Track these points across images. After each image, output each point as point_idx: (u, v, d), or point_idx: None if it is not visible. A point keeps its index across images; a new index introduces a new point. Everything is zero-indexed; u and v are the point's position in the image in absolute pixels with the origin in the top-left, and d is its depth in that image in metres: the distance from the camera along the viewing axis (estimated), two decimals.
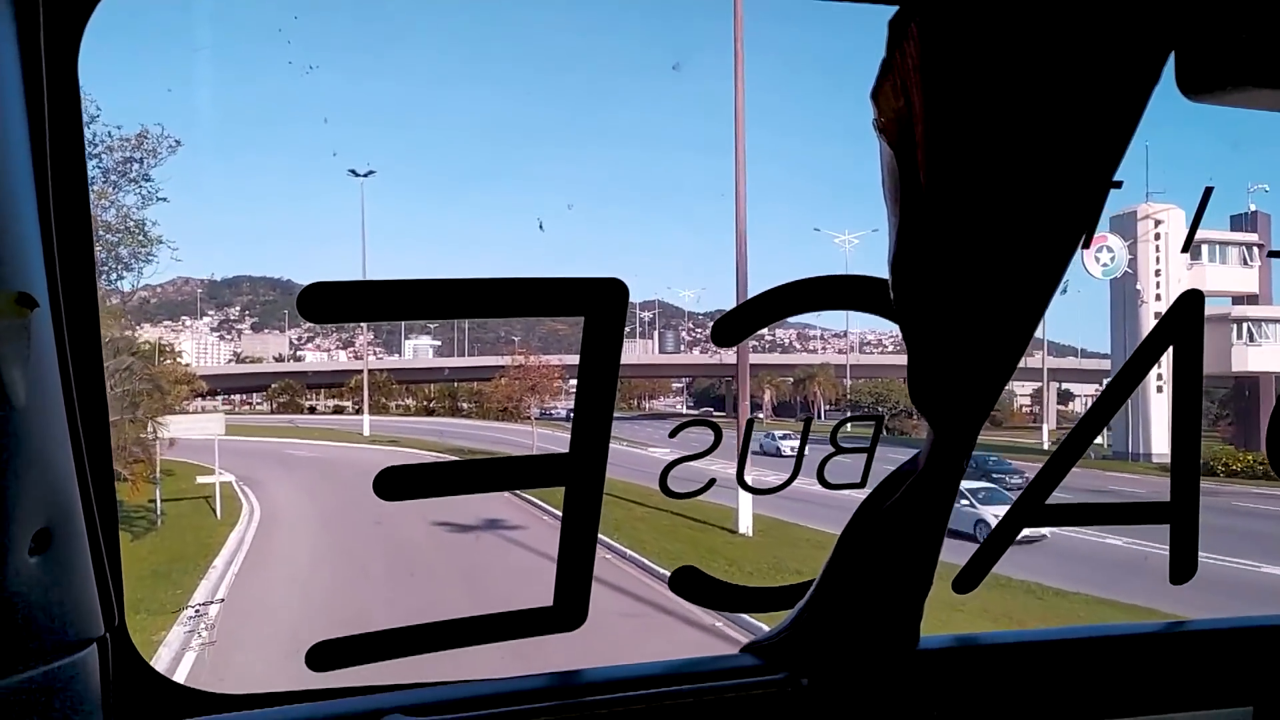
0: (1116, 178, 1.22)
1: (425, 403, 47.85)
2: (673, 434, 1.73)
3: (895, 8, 1.12)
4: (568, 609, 1.38)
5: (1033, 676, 1.64)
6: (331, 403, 55.99)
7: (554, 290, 1.29)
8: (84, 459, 1.15)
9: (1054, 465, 1.59)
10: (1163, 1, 1.11)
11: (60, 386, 1.09)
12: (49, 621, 1.05)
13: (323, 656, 1.27)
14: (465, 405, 45.97)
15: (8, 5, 1.03)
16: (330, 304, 1.17)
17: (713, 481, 1.57)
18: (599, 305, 1.28)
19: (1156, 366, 1.58)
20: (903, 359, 1.76)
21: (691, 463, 1.47)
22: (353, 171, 34.35)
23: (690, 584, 1.55)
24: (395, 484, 1.25)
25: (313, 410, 54.49)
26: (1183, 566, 1.70)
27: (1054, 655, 1.68)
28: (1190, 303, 1.56)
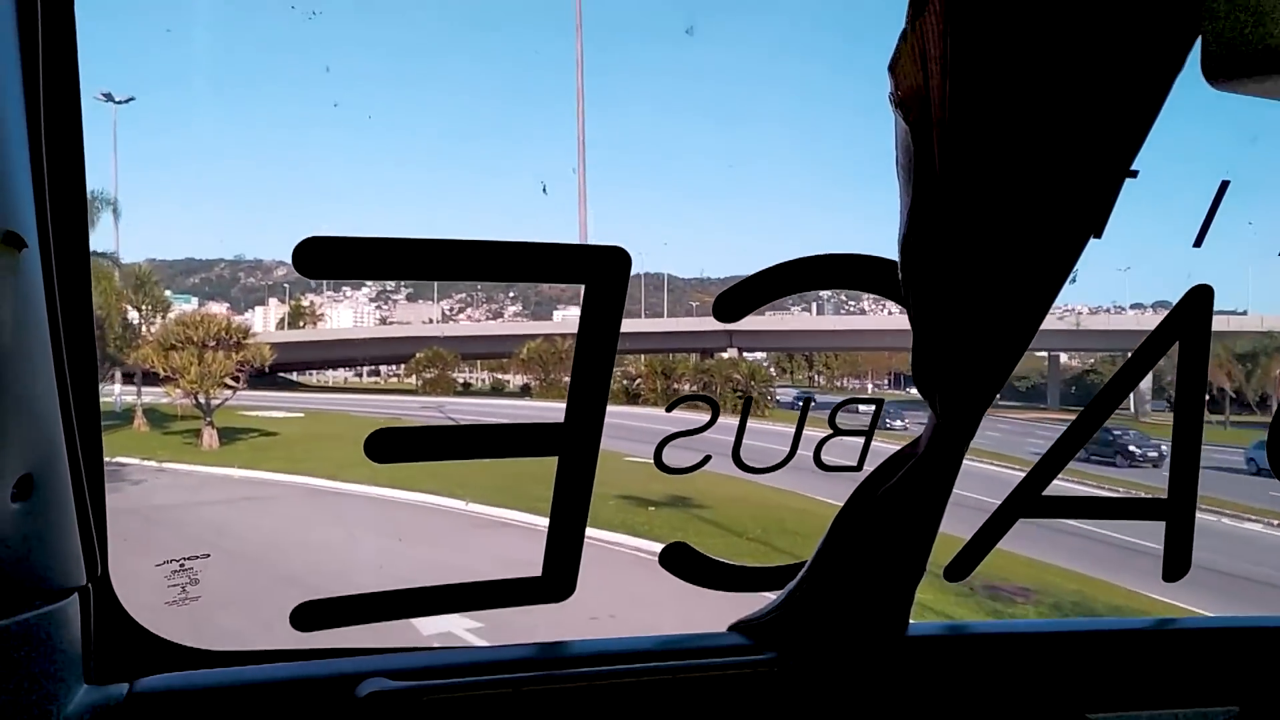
0: (1133, 167, 1.18)
1: (627, 383, 33.12)
2: (669, 408, 1.81)
3: None
4: (556, 580, 1.36)
5: (1021, 667, 1.62)
6: (485, 376, 43.79)
7: (555, 256, 1.26)
8: (70, 405, 1.12)
9: (1052, 457, 1.57)
10: None
11: (48, 330, 1.06)
12: (29, 569, 1.03)
13: (307, 617, 1.24)
14: (684, 386, 31.23)
15: None
16: (327, 259, 1.14)
17: (708, 458, 1.56)
18: (601, 274, 1.25)
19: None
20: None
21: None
22: None
23: (680, 561, 1.52)
24: (387, 446, 1.23)
25: (467, 387, 41.52)
26: (1176, 564, 1.68)
27: (1043, 647, 1.66)
28: (1198, 298, 1.53)
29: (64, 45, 1.09)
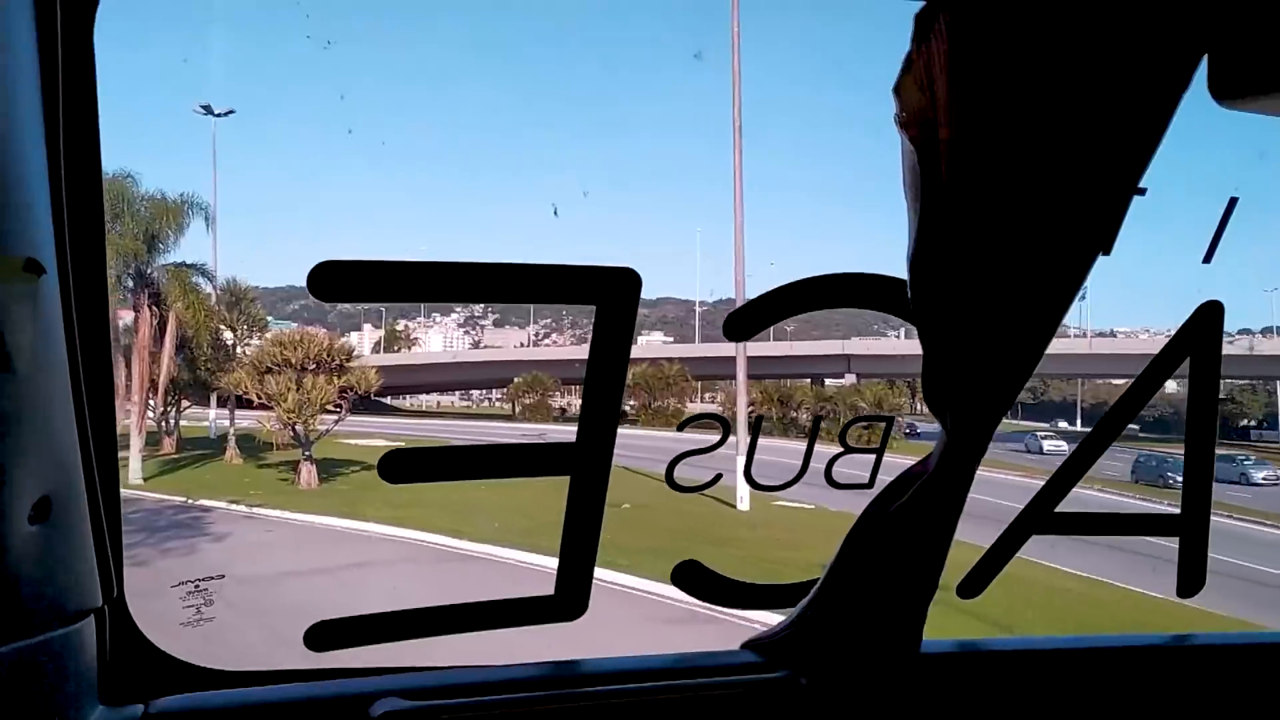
0: (1141, 185, 1.17)
1: (746, 410, 30.81)
2: (680, 428, 1.86)
3: (921, 2, 1.08)
4: (568, 599, 1.36)
5: (1035, 685, 1.61)
6: (577, 401, 42.22)
7: (566, 278, 1.28)
8: (87, 429, 1.12)
9: (1065, 473, 1.56)
10: (1198, 1, 1.06)
11: (65, 355, 1.08)
12: (46, 591, 1.04)
13: (321, 637, 1.25)
14: (803, 415, 28.76)
15: None
16: (341, 283, 1.16)
17: (719, 476, 1.60)
18: (611, 295, 1.26)
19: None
20: None
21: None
22: None
23: (692, 578, 1.52)
24: (400, 466, 1.23)
25: (563, 413, 40.22)
26: (1191, 579, 1.66)
27: (1057, 664, 1.65)
28: (1209, 314, 1.52)
29: (83, 72, 1.10)
